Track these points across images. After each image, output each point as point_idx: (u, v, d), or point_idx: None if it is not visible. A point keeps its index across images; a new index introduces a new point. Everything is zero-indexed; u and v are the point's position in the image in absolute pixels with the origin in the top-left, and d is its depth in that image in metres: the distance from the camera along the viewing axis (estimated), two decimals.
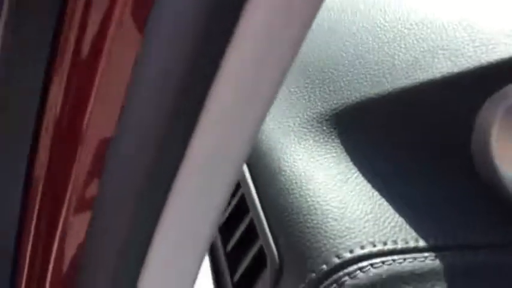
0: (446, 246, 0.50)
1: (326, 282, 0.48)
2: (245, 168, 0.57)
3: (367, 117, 0.56)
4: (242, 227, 0.55)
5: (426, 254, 0.49)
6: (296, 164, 0.55)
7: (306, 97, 0.58)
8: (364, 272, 0.48)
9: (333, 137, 0.56)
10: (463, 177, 0.54)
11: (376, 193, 0.53)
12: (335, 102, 0.57)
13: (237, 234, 0.56)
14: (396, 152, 0.55)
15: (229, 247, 0.56)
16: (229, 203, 0.58)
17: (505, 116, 0.53)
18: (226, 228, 0.58)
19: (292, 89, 0.59)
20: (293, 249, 0.51)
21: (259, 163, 0.56)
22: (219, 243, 0.57)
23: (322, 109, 0.57)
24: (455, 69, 0.54)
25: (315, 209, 0.52)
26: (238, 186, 0.57)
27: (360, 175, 0.54)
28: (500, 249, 0.50)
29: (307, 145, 0.56)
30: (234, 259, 0.55)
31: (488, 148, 0.54)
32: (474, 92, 0.54)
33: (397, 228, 0.51)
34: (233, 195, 0.58)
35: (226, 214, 0.58)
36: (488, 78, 0.54)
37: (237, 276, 0.54)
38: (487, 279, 0.49)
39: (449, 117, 0.55)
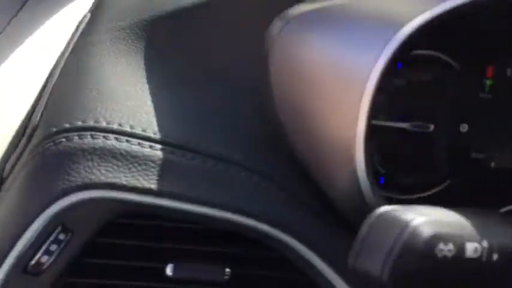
0: (178, 145, 0.51)
1: (46, 141, 0.50)
2: None
3: (178, 25, 0.58)
4: None
5: (154, 145, 0.50)
6: (99, 59, 0.57)
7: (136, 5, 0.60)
8: (81, 138, 0.49)
9: (142, 41, 0.58)
10: (244, 95, 0.55)
11: (148, 90, 0.54)
12: (158, 11, 0.59)
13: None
14: (184, 59, 0.56)
15: None
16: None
17: (283, 38, 0.52)
18: None
19: None
20: (46, 116, 0.53)
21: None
22: None
23: (144, 16, 0.59)
24: None
25: (82, 89, 0.54)
26: None
27: (145, 75, 0.56)
28: (225, 163, 0.50)
29: (116, 44, 0.58)
30: None
31: (267, 78, 0.54)
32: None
33: (144, 119, 0.52)
34: None
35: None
36: None
37: None
38: (203, 182, 0.49)
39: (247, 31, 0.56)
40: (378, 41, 0.44)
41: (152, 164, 0.49)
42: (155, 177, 0.49)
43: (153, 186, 0.48)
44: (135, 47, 0.58)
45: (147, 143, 0.50)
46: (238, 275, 0.52)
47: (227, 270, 0.51)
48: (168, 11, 0.58)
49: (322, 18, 0.50)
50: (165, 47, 0.57)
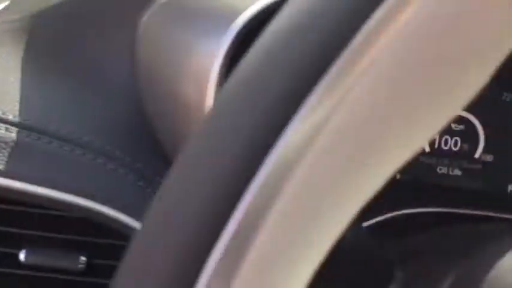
0: (36, 128, 0.50)
1: None
2: None
3: (59, 18, 0.58)
4: None
5: (10, 127, 0.50)
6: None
7: None
8: None
9: (27, 32, 0.58)
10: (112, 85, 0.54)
11: (20, 77, 0.55)
12: (47, 5, 0.59)
13: None
14: (60, 49, 0.57)
15: None
16: None
17: (150, 24, 0.52)
18: None
19: None
20: None
21: None
22: None
23: (36, 9, 0.60)
24: None
25: None
26: None
27: (21, 63, 0.56)
28: (83, 148, 0.50)
29: (5, 35, 0.58)
30: None
31: (135, 65, 0.54)
32: None
33: (7, 103, 0.52)
34: None
35: None
36: None
37: None
38: (56, 166, 0.49)
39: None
40: (217, 35, 0.45)
41: (3, 145, 0.49)
42: (5, 159, 0.48)
43: (1, 167, 0.48)
44: (20, 37, 0.58)
45: (3, 125, 0.50)
46: (94, 264, 0.51)
47: (82, 258, 0.50)
48: (55, 5, 0.58)
49: (180, 7, 0.50)
50: (46, 39, 0.57)
